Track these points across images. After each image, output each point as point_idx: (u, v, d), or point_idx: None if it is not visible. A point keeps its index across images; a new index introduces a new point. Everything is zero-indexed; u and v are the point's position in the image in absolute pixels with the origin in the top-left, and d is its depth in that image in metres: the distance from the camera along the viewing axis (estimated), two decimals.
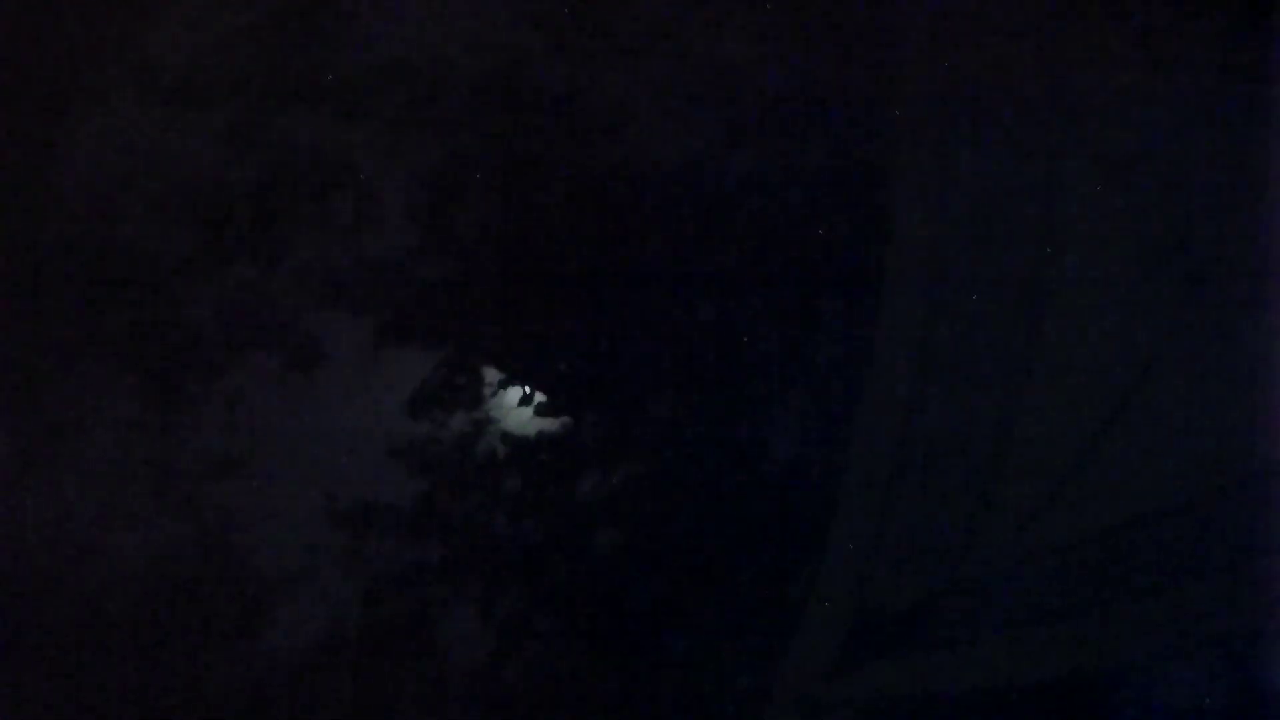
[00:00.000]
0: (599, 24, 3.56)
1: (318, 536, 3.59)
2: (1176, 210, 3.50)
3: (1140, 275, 3.47)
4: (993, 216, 3.49)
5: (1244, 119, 3.51)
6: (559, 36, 3.51)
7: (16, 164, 3.58)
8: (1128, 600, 3.38)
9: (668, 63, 3.51)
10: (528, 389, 3.63)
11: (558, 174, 3.55)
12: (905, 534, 3.43)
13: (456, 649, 3.56)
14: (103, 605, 3.63)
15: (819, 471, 3.57)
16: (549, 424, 3.64)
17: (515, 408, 3.64)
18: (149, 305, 3.60)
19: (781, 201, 3.55)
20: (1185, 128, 3.52)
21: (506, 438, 3.63)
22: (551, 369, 3.63)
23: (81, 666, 3.60)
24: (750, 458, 3.59)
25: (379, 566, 3.58)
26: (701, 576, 3.52)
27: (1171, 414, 3.43)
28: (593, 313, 3.59)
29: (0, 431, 3.66)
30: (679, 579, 3.55)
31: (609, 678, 3.53)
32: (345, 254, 3.56)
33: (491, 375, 3.64)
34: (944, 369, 3.44)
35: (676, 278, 3.53)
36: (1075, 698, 3.38)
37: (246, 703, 3.57)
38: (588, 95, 3.52)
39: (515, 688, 3.56)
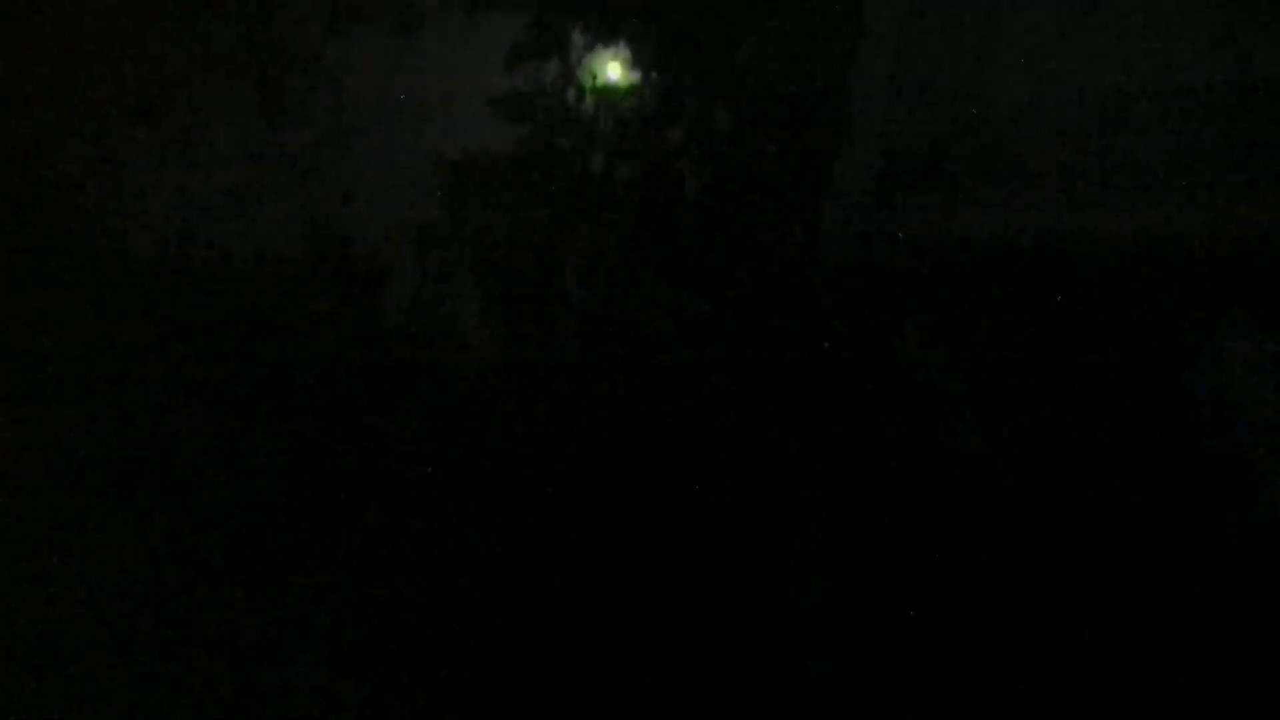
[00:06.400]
0: None
1: (429, 196, 3.85)
2: None
3: None
4: None
5: None
6: None
7: None
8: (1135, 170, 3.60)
9: None
10: (613, 45, 3.88)
11: None
12: (918, 71, 3.68)
13: (567, 279, 3.79)
14: (215, 287, 3.89)
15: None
16: (636, 76, 3.87)
17: (602, 61, 3.88)
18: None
19: None
20: None
21: (596, 88, 3.87)
22: (637, 27, 3.87)
23: (189, 339, 3.84)
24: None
25: (487, 211, 3.83)
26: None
27: None
28: None
29: (131, 136, 3.96)
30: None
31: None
32: None
33: (579, 33, 3.89)
34: None
35: None
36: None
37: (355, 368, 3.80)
38: None
39: (616, 320, 3.77)
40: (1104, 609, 3.43)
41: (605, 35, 3.86)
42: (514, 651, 3.59)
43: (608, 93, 3.85)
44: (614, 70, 3.87)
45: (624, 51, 3.87)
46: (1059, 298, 3.57)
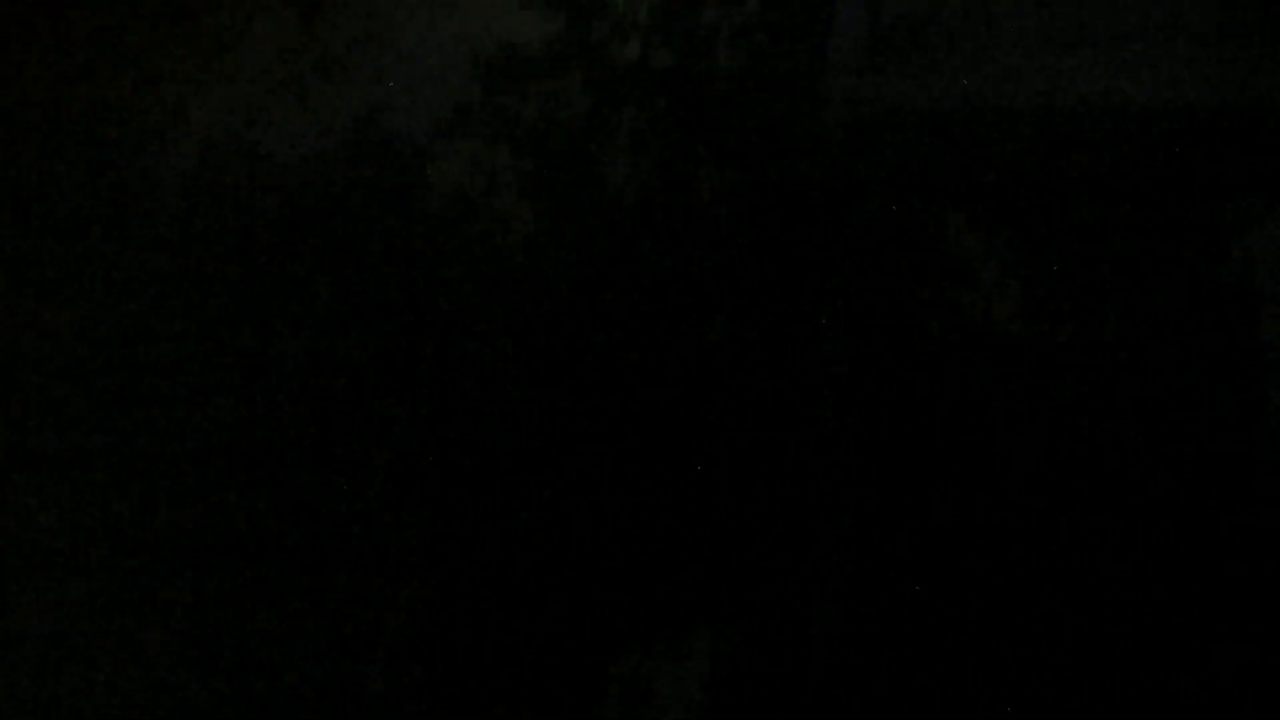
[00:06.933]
0: None
1: (466, 88, 3.89)
2: None
3: None
4: None
5: None
6: None
7: None
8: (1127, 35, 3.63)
9: None
10: None
11: None
12: None
13: (610, 164, 3.84)
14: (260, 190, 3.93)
15: None
16: None
17: None
18: None
19: None
20: None
21: None
22: None
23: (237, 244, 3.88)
24: None
25: (524, 103, 3.87)
26: None
27: None
28: None
29: (165, 54, 4.00)
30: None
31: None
32: None
33: None
34: None
35: None
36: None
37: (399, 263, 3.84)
38: None
39: (655, 203, 3.82)
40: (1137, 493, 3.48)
41: None
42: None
43: None
44: None
45: None
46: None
